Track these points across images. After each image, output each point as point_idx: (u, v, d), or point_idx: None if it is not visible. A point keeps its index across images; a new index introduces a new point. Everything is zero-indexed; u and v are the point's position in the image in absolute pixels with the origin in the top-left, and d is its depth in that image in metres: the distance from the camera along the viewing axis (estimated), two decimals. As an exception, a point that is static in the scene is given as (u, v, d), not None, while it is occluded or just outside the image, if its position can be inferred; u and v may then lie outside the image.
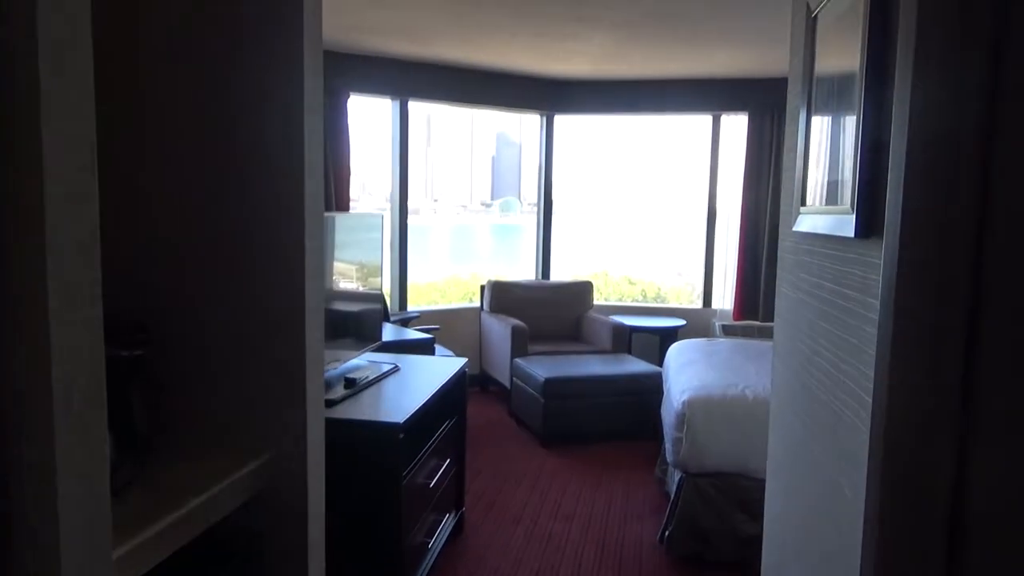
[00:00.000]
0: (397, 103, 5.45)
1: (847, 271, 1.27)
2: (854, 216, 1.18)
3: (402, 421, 2.30)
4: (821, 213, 1.39)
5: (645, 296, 11.66)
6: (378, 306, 3.16)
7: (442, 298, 9.15)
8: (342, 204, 5.02)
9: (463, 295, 9.44)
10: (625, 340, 5.35)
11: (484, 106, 5.83)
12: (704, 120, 6.01)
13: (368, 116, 5.94)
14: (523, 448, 4.50)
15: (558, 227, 6.33)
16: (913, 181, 0.96)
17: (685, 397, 3.09)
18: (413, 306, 6.00)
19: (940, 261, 0.95)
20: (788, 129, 1.91)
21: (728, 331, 5.70)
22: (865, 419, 1.11)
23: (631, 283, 11.69)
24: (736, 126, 5.86)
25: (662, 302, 12.67)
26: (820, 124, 1.50)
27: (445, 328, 5.75)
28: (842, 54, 1.31)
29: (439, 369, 3.06)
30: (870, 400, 1.07)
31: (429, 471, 2.71)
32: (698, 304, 6.39)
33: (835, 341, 1.35)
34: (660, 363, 5.74)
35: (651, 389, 4.51)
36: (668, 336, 5.73)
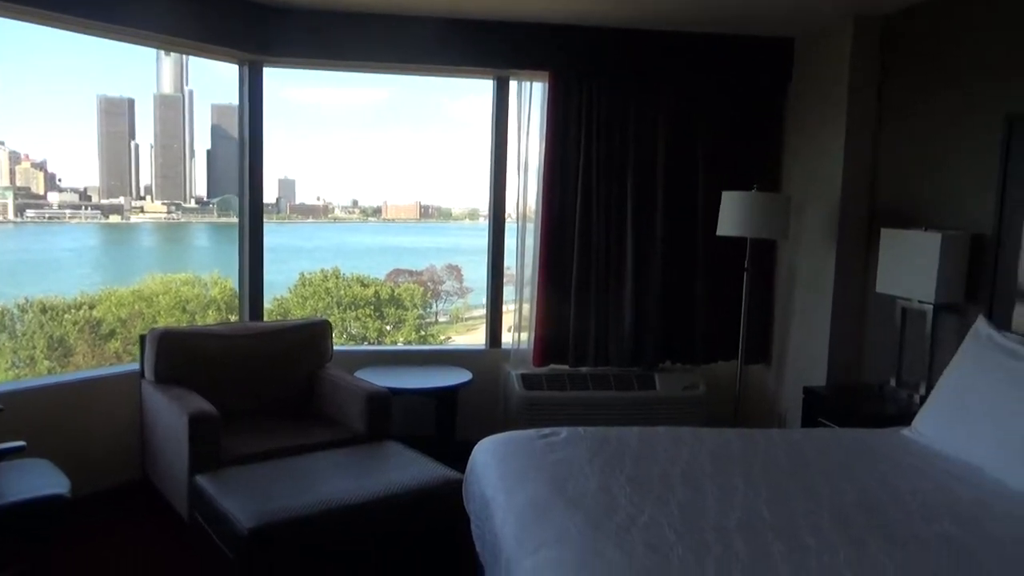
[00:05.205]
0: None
1: None
2: None
3: None
4: None
5: (379, 297, 10.96)
6: None
7: (148, 308, 8.70)
8: None
9: (174, 302, 8.84)
10: (385, 414, 3.40)
11: (121, 33, 3.37)
12: (484, 85, 4.26)
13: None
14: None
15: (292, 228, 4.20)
16: None
17: None
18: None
19: None
20: None
21: (529, 383, 4.05)
22: None
23: (363, 285, 10.85)
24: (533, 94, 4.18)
25: (398, 306, 11.41)
26: None
27: (78, 411, 3.38)
28: None
29: None
30: None
31: None
32: (470, 333, 4.67)
33: None
34: (438, 432, 3.94)
35: (441, 511, 2.66)
36: (446, 398, 3.90)
